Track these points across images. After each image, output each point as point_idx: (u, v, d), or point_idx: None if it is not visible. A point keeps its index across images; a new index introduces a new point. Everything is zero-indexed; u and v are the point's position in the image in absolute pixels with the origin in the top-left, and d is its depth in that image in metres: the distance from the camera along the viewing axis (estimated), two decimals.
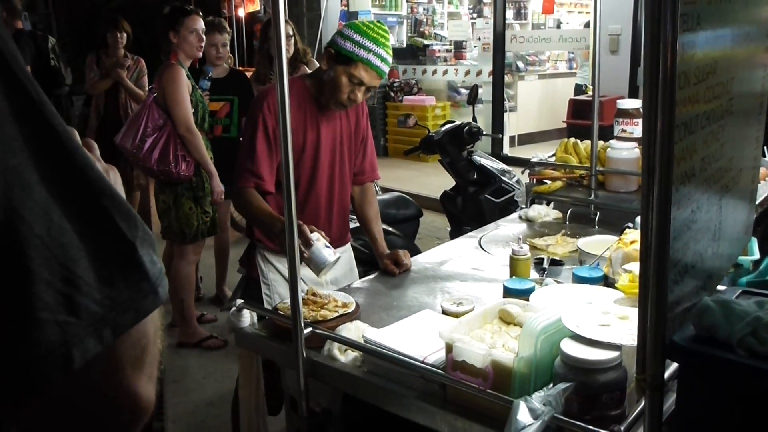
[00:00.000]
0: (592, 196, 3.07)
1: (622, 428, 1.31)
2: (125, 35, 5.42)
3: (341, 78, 2.31)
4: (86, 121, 5.53)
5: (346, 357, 1.76)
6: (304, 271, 2.32)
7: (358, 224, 2.78)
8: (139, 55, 5.44)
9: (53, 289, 0.56)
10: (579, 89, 9.35)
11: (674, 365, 1.30)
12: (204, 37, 3.93)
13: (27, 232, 0.55)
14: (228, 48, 4.32)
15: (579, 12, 11.37)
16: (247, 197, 2.36)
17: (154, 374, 0.67)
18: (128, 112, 5.15)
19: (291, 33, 4.20)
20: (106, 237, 0.61)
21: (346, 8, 10.16)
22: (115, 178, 0.85)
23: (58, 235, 0.57)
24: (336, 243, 2.48)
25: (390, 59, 2.37)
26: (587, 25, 9.86)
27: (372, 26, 2.34)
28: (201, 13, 4.00)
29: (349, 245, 2.70)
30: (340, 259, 2.47)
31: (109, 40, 5.36)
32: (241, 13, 10.68)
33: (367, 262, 2.93)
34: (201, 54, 4.01)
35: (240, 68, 8.68)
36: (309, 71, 4.25)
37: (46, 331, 0.55)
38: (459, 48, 10.34)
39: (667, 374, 1.21)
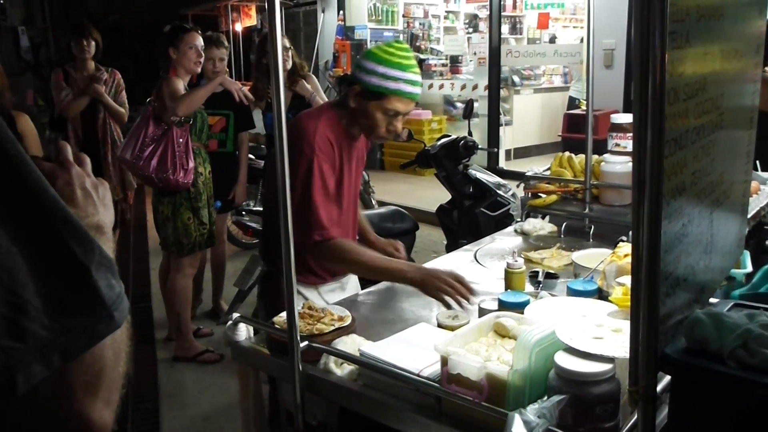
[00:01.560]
0: (587, 209, 3.08)
1: None
2: (93, 43, 4.71)
3: (376, 114, 2.22)
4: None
5: (342, 370, 1.77)
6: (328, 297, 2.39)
7: None
8: (135, 71, 5.19)
9: None
10: (572, 102, 9.40)
11: (667, 377, 1.31)
12: (203, 53, 3.98)
13: None
14: (225, 63, 4.35)
15: (574, 27, 11.44)
16: (331, 252, 2.20)
17: (113, 398, 0.67)
18: (109, 134, 4.70)
19: (288, 47, 4.24)
20: (58, 261, 0.60)
21: (342, 23, 10.23)
22: (104, 193, 0.84)
23: (5, 260, 0.56)
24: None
25: (419, 78, 2.25)
26: (582, 39, 9.93)
27: (391, 51, 2.21)
28: (200, 31, 4.05)
29: None
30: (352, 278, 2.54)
31: (74, 50, 4.66)
32: (238, 28, 10.73)
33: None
34: (199, 69, 4.06)
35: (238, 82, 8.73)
36: (307, 85, 4.29)
37: None
38: (455, 62, 10.40)
39: (659, 386, 1.22)
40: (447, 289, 2.07)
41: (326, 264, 2.35)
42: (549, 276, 2.37)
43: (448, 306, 2.07)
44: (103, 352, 0.63)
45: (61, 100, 4.61)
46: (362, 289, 2.55)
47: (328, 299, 2.37)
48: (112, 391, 0.66)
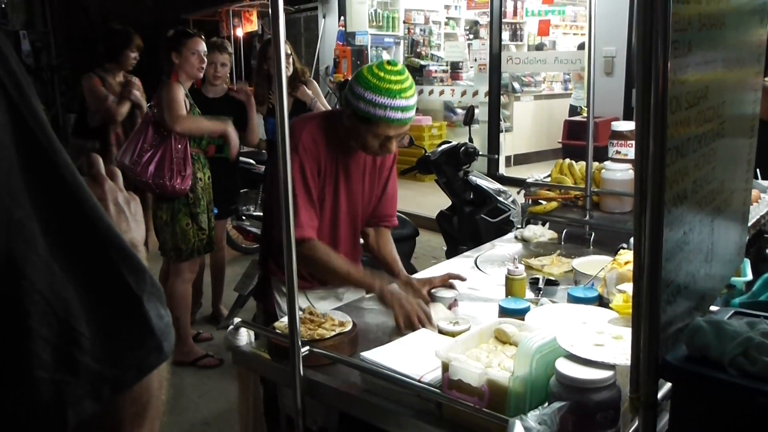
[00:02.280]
0: (587, 216, 3.09)
1: None
2: (137, 54, 4.76)
3: (367, 137, 2.19)
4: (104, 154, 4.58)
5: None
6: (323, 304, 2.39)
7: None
8: (136, 75, 5.08)
9: (51, 346, 0.54)
10: (574, 110, 9.41)
11: (667, 385, 1.31)
12: (205, 58, 3.99)
13: (28, 288, 0.53)
14: (227, 68, 4.36)
15: (574, 34, 11.48)
16: (304, 253, 2.15)
17: (156, 428, 0.66)
18: None
19: (289, 52, 4.25)
20: (112, 291, 0.59)
21: (343, 28, 10.25)
22: (135, 209, 0.82)
23: (60, 290, 0.55)
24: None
25: (412, 101, 2.18)
26: (582, 46, 9.96)
27: (381, 75, 2.14)
28: (203, 36, 4.06)
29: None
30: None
31: (122, 57, 4.69)
32: (239, 33, 10.75)
33: None
34: (202, 75, 4.06)
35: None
36: (308, 91, 4.29)
37: (41, 391, 0.53)
38: (455, 69, 10.41)
39: (660, 394, 1.23)
40: (406, 310, 2.08)
41: (300, 265, 2.33)
42: (549, 283, 2.37)
43: (399, 327, 2.07)
44: (151, 382, 0.63)
45: (109, 105, 4.58)
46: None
47: (319, 307, 2.36)
48: (156, 420, 0.66)
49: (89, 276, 0.57)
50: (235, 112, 4.37)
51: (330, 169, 2.30)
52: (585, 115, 4.93)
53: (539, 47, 10.49)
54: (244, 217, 4.74)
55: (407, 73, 2.21)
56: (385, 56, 10.28)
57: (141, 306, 0.60)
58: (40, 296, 0.53)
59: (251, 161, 5.82)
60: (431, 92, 9.90)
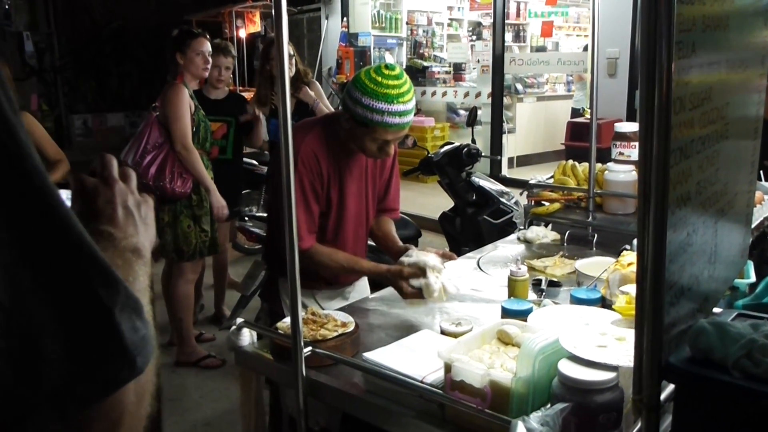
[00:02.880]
0: (590, 218, 3.09)
1: None
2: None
3: (365, 141, 2.21)
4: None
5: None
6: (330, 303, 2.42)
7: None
8: (139, 76, 5.05)
9: (11, 359, 0.52)
10: (576, 113, 9.41)
11: (670, 387, 1.31)
12: (210, 59, 3.99)
13: None
14: (230, 71, 4.36)
15: (577, 35, 11.48)
16: (311, 259, 2.25)
17: None
18: None
19: (291, 53, 4.25)
20: (81, 303, 0.56)
21: (346, 29, 10.25)
22: (146, 212, 0.81)
23: (25, 301, 0.53)
24: (340, 279, 2.52)
25: (410, 105, 2.18)
26: (585, 48, 9.95)
27: (378, 79, 2.14)
28: (208, 36, 4.06)
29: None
30: (360, 284, 2.58)
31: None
32: (242, 34, 10.76)
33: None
34: (207, 75, 4.07)
35: (240, 89, 8.76)
36: (311, 92, 4.29)
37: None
38: (458, 70, 10.41)
39: (663, 395, 1.22)
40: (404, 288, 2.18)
41: (309, 267, 2.35)
42: (552, 284, 2.37)
43: (404, 295, 2.19)
44: (124, 397, 0.60)
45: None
46: (372, 293, 2.58)
47: (327, 307, 2.38)
48: None
49: (57, 287, 0.55)
50: (237, 113, 4.37)
51: (334, 174, 2.31)
52: (588, 116, 4.92)
53: (541, 49, 10.49)
54: (246, 218, 4.73)
55: (405, 77, 2.21)
56: (388, 57, 10.29)
57: (112, 319, 0.58)
58: (0, 308, 0.51)
59: (254, 162, 5.83)
60: (434, 93, 9.90)
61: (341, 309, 2.22)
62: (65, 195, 1.09)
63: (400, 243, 2.55)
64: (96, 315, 0.57)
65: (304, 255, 2.13)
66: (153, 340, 0.62)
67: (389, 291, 2.45)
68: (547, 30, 9.71)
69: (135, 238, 0.79)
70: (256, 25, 11.08)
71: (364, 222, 2.51)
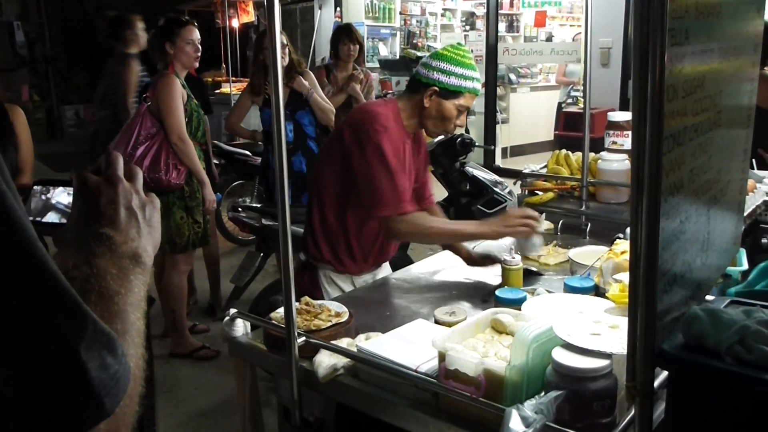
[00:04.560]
0: (584, 207, 3.09)
1: None
2: (356, 46, 5.06)
3: (452, 110, 2.37)
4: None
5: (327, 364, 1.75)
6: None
7: None
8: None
9: None
10: (560, 107, 9.42)
11: (664, 374, 1.31)
12: (200, 47, 3.95)
13: None
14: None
15: (571, 25, 11.43)
16: (408, 225, 2.32)
17: None
18: None
19: (285, 43, 4.22)
20: (39, 341, 0.51)
21: (339, 20, 10.21)
22: (151, 213, 0.78)
23: None
24: (384, 257, 2.61)
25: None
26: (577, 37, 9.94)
27: (462, 53, 2.39)
28: (196, 24, 4.02)
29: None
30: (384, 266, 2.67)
31: (341, 52, 5.03)
32: (235, 23, 10.70)
33: None
34: (197, 64, 4.03)
35: (233, 79, 8.72)
36: (304, 82, 4.28)
37: None
38: None
39: (656, 383, 1.23)
40: (520, 225, 2.32)
41: (399, 239, 2.56)
42: (530, 273, 2.40)
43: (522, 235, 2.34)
44: None
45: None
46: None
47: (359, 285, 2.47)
48: None
49: (13, 322, 0.50)
50: (198, 95, 4.33)
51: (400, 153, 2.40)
52: (581, 105, 4.92)
53: (531, 39, 10.48)
54: (240, 209, 4.72)
55: None
56: (382, 48, 10.28)
57: (76, 356, 0.52)
58: None
59: (247, 153, 5.81)
60: None
61: (335, 299, 2.22)
62: (67, 192, 1.07)
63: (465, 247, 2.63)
64: (58, 353, 0.52)
65: (398, 221, 2.30)
66: (128, 375, 0.57)
67: (384, 281, 2.46)
68: (540, 20, 9.68)
69: (136, 242, 0.76)
70: (249, 15, 11.01)
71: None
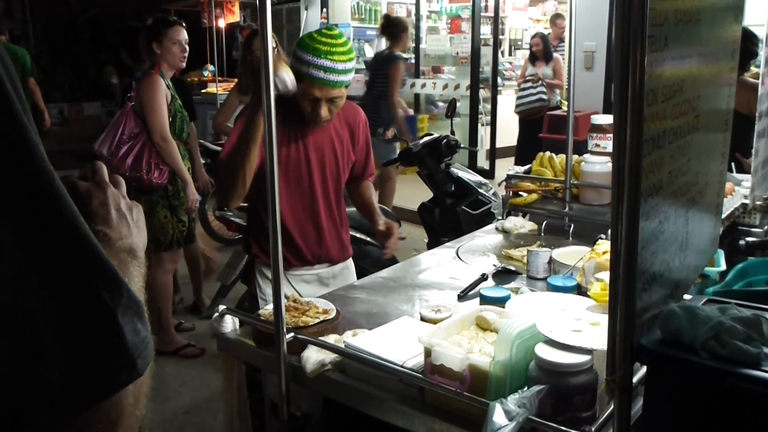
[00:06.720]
0: (567, 208, 3.14)
1: (593, 429, 1.37)
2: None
3: (301, 98, 2.30)
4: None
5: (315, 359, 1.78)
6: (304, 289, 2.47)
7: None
8: (116, 65, 5.02)
9: (12, 360, 0.52)
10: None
11: (643, 370, 1.35)
12: (187, 47, 3.96)
13: None
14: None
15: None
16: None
17: None
18: None
19: (274, 44, 4.24)
20: (84, 305, 0.57)
21: (325, 20, 10.22)
22: (137, 215, 0.83)
23: (27, 303, 0.53)
24: (336, 257, 2.60)
25: (340, 65, 2.25)
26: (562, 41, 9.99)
27: (315, 36, 2.26)
28: (184, 24, 4.03)
29: (350, 260, 2.75)
30: (343, 274, 2.64)
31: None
32: (221, 23, 10.68)
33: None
34: (184, 65, 4.03)
35: (220, 79, 8.71)
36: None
37: None
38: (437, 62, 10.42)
39: (635, 378, 1.27)
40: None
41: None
42: (507, 272, 2.45)
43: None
44: (122, 399, 0.60)
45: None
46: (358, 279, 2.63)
47: (302, 290, 2.42)
48: None
49: (61, 289, 0.55)
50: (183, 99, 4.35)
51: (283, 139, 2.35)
52: (565, 109, 4.97)
53: (518, 42, 10.53)
54: (225, 208, 4.73)
55: (344, 39, 2.30)
56: (368, 49, 10.29)
57: (114, 321, 0.58)
58: (3, 309, 0.51)
59: None
60: (413, 85, 9.91)
61: (323, 297, 2.25)
62: None
63: (382, 218, 2.63)
64: (99, 317, 0.57)
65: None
66: (152, 342, 0.64)
67: (370, 279, 2.49)
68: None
69: (129, 239, 0.81)
70: (235, 15, 10.99)
71: (337, 190, 2.58)
